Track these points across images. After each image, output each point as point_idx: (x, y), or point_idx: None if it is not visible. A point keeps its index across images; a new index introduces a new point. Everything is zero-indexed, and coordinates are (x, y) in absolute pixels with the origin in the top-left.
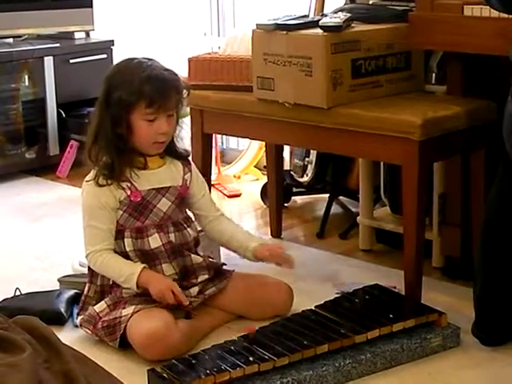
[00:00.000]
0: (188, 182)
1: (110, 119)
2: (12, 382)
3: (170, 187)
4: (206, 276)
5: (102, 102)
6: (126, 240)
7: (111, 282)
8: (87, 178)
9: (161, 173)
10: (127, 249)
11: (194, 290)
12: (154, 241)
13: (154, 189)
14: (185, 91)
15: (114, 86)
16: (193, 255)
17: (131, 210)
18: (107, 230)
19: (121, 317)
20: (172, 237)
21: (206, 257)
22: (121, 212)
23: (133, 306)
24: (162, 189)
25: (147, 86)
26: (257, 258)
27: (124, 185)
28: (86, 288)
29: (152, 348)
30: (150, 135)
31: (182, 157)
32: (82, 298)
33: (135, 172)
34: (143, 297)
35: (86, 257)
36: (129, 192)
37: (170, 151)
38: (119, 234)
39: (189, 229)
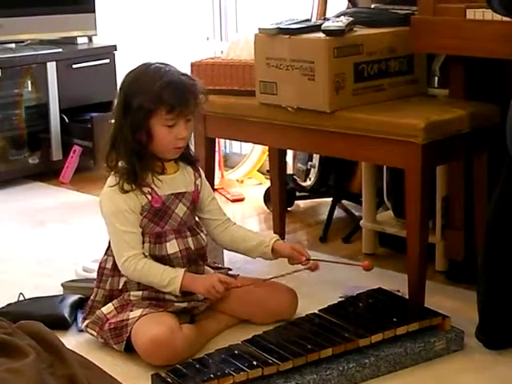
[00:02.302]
0: (199, 188)
1: (129, 126)
2: None
3: (185, 192)
4: None
5: (120, 109)
6: (145, 245)
7: (120, 287)
8: (109, 184)
9: (177, 178)
10: (145, 254)
11: (200, 295)
12: (172, 246)
13: (172, 194)
14: (202, 96)
15: (132, 93)
16: (206, 267)
17: (151, 216)
18: (139, 234)
19: (128, 319)
20: (189, 242)
21: (215, 268)
22: (141, 217)
23: (140, 310)
24: (179, 194)
25: (167, 92)
26: (275, 253)
27: (145, 190)
28: (94, 293)
29: (156, 353)
30: (169, 140)
31: (193, 162)
32: (89, 302)
33: (155, 176)
34: (151, 300)
35: (122, 264)
36: (150, 197)
37: (183, 156)
38: None
39: (202, 233)
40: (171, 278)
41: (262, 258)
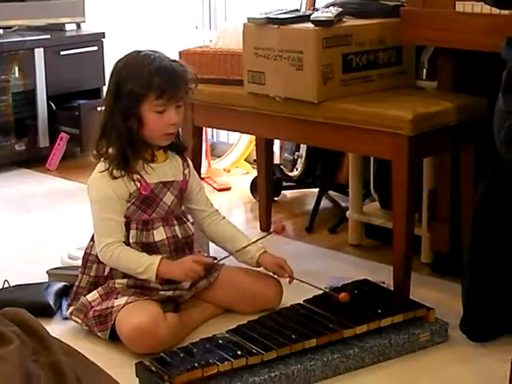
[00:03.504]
0: (187, 177)
1: (120, 112)
2: None
3: (173, 181)
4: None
5: (111, 96)
6: (131, 232)
7: (106, 273)
8: (99, 170)
9: (165, 167)
10: (131, 241)
11: (186, 284)
12: (159, 234)
13: (160, 182)
14: (193, 83)
15: (123, 80)
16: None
17: (139, 203)
18: (121, 222)
19: (113, 307)
20: (176, 230)
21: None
22: (128, 204)
23: (125, 297)
24: (167, 183)
25: (157, 77)
26: (259, 265)
27: (135, 177)
28: (78, 279)
29: (139, 342)
30: (160, 127)
31: (181, 150)
32: (74, 288)
33: (145, 164)
34: (136, 288)
35: (100, 250)
36: (139, 184)
37: (172, 145)
38: (125, 226)
39: (188, 223)
40: (147, 265)
41: (246, 264)
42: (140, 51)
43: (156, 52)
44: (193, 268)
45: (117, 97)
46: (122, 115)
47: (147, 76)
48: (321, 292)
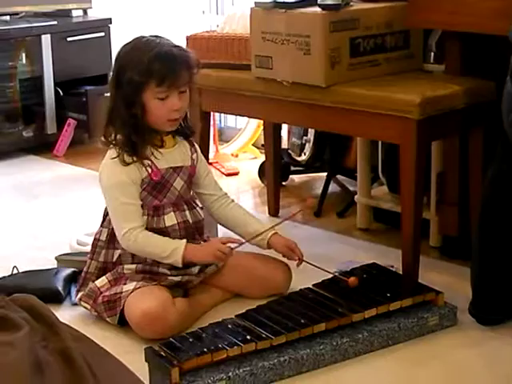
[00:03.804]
0: (195, 162)
1: (122, 100)
2: (7, 360)
3: (182, 167)
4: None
5: (113, 84)
6: (143, 218)
7: (114, 259)
8: (110, 156)
9: (175, 152)
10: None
11: (195, 269)
12: (170, 219)
13: (170, 168)
14: (196, 68)
15: (123, 67)
16: (202, 242)
17: (150, 189)
18: (139, 205)
19: (121, 292)
20: (187, 215)
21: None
22: (140, 190)
23: (134, 283)
24: (177, 168)
25: (156, 64)
26: (269, 247)
27: (146, 163)
28: (87, 265)
29: (148, 327)
30: (163, 113)
31: (189, 135)
32: (82, 274)
33: (155, 149)
34: (145, 274)
35: (123, 236)
36: (150, 170)
37: (180, 130)
38: None
39: (198, 208)
40: (173, 249)
41: (257, 246)
42: (143, 37)
43: (159, 37)
44: (221, 249)
45: (118, 84)
46: (125, 102)
47: (146, 64)
48: (330, 276)
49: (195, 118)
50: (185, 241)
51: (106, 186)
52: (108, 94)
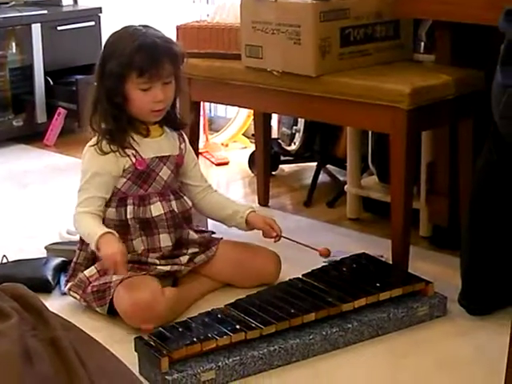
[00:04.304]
0: (183, 152)
1: (105, 90)
2: None
3: (169, 156)
4: (197, 250)
5: (97, 73)
6: (128, 207)
7: None
8: (91, 143)
9: (161, 141)
10: (128, 216)
11: (184, 259)
12: (156, 209)
13: (157, 157)
14: (181, 58)
15: (107, 57)
16: (190, 231)
17: (135, 178)
18: (100, 198)
19: (111, 282)
20: (173, 205)
21: (200, 234)
22: (124, 180)
23: None
24: (163, 157)
25: (137, 55)
26: (248, 225)
27: (129, 152)
28: (76, 255)
29: (138, 317)
30: (145, 104)
31: (177, 128)
32: (72, 265)
33: (140, 139)
34: (133, 264)
35: (73, 217)
36: (134, 160)
37: (169, 121)
38: (121, 202)
39: (185, 197)
40: (92, 233)
41: (237, 228)
42: (130, 27)
43: (146, 27)
44: (115, 258)
45: (102, 74)
46: (107, 92)
47: (127, 55)
48: (319, 266)
49: (185, 108)
50: (106, 231)
51: (81, 169)
52: (95, 83)
